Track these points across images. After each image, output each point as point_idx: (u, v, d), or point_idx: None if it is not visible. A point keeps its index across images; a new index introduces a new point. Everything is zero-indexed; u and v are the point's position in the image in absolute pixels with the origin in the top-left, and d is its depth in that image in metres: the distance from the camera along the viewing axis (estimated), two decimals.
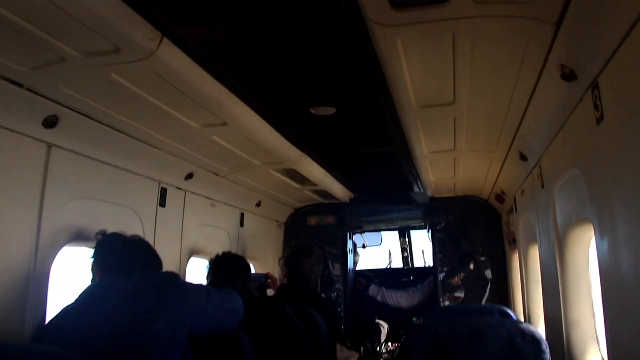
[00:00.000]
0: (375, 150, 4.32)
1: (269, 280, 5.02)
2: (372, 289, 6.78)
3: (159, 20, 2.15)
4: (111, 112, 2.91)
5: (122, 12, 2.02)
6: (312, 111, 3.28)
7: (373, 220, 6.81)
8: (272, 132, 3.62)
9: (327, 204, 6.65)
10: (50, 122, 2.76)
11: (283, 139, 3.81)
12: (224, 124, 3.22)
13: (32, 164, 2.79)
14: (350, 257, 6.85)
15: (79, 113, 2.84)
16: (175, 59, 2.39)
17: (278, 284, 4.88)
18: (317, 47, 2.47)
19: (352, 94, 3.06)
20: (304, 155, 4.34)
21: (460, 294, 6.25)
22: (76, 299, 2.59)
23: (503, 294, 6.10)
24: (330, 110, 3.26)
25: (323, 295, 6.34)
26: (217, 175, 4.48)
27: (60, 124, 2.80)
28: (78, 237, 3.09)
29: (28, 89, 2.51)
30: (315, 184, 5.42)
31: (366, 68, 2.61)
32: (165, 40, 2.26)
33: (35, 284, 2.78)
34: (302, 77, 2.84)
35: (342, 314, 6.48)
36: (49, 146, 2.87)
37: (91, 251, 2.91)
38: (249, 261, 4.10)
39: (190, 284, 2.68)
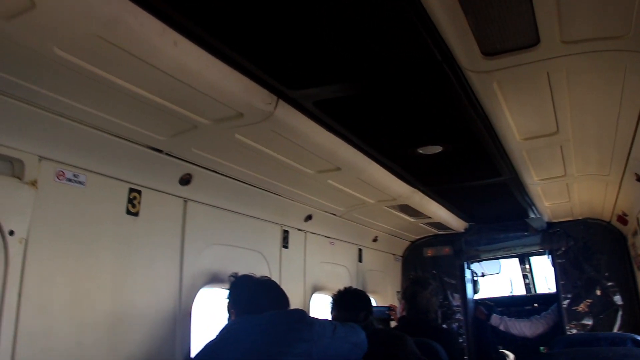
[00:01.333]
0: (485, 182, 4.40)
1: (391, 311, 5.15)
2: (494, 318, 6.65)
3: (275, 86, 2.44)
4: (236, 166, 3.25)
5: (243, 83, 2.33)
6: (420, 150, 3.45)
7: (490, 248, 6.73)
8: (383, 173, 3.82)
9: (442, 235, 6.72)
10: (185, 180, 3.15)
11: (394, 177, 4.00)
12: (338, 169, 3.47)
13: (173, 217, 3.20)
14: (469, 286, 6.82)
15: (209, 170, 3.21)
16: (290, 117, 2.68)
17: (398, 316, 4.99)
18: (420, 94, 2.64)
19: (456, 132, 3.20)
20: (416, 191, 4.50)
21: (588, 322, 5.98)
22: (217, 336, 2.88)
23: (638, 321, 5.74)
24: (436, 149, 3.42)
25: (444, 326, 6.35)
26: (334, 215, 4.72)
27: (193, 181, 3.18)
28: (214, 280, 3.45)
29: (167, 154, 2.91)
30: (429, 217, 5.53)
31: (467, 109, 2.76)
32: (281, 102, 2.55)
33: (181, 321, 3.16)
34: (408, 121, 3.02)
35: (464, 344, 6.45)
36: (185, 201, 3.27)
37: (226, 292, 3.25)
38: (369, 295, 4.27)
39: (317, 319, 2.90)
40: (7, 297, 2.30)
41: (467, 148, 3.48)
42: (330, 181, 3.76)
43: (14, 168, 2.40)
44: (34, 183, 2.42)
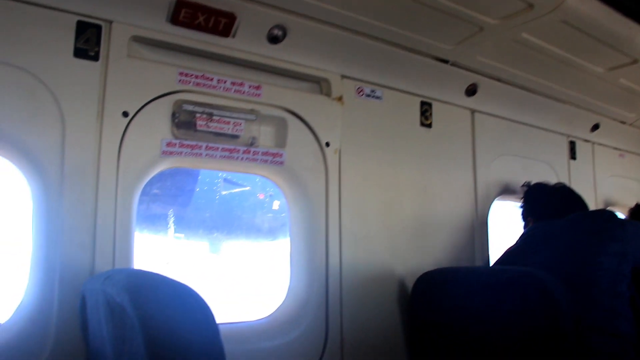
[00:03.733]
0: None
1: None
2: None
3: None
4: (520, 72, 3.18)
5: None
6: None
7: None
8: None
9: None
10: (471, 91, 3.18)
11: None
12: (634, 61, 3.14)
13: (462, 129, 3.27)
14: None
15: (493, 79, 3.19)
16: (583, 4, 2.50)
17: None
18: None
19: None
20: None
21: None
22: (517, 241, 2.89)
23: None
24: None
25: None
26: (624, 123, 4.35)
27: (479, 91, 3.20)
28: (505, 191, 3.45)
29: (452, 64, 2.96)
30: None
31: None
32: None
33: (479, 229, 3.24)
34: None
35: None
36: (472, 112, 3.31)
37: (516, 204, 3.22)
38: None
39: (627, 220, 2.73)
40: (330, 203, 2.59)
41: None
42: (622, 80, 3.45)
43: (322, 87, 2.67)
44: (340, 99, 2.67)
